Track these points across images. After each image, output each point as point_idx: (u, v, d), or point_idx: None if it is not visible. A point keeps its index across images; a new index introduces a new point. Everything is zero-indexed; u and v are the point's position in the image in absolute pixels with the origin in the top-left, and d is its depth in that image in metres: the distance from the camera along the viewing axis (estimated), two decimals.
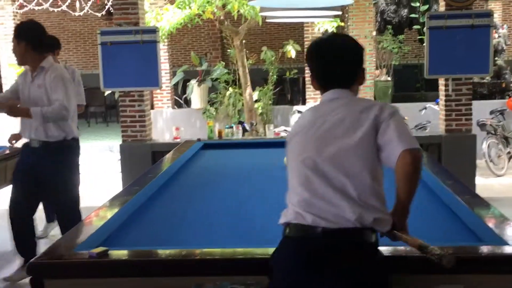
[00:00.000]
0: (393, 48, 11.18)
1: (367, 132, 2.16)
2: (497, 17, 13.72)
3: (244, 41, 9.79)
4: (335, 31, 8.70)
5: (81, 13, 11.57)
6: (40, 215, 5.73)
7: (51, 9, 11.10)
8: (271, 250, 2.40)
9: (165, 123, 10.86)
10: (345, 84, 2.33)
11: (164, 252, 2.43)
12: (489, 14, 6.62)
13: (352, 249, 2.09)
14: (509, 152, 8.94)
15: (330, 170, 2.15)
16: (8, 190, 5.18)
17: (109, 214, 2.99)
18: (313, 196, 2.16)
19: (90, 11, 11.65)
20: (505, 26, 12.50)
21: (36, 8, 10.96)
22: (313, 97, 11.28)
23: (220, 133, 6.35)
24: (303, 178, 2.20)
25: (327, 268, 2.06)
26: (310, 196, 2.16)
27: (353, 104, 2.27)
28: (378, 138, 2.17)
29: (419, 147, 2.15)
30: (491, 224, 2.61)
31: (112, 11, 7.54)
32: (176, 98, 11.65)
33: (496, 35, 10.85)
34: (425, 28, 6.74)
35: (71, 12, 11.61)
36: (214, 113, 10.57)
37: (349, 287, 2.05)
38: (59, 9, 11.43)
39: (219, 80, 10.75)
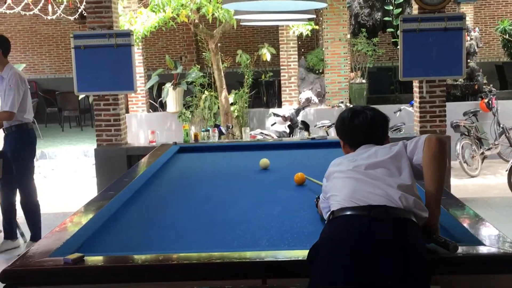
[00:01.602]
0: (367, 50, 11.24)
1: (399, 150, 2.52)
2: (469, 20, 13.91)
3: (219, 44, 9.78)
4: (309, 34, 8.69)
5: (54, 17, 11.45)
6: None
7: (22, 12, 10.97)
8: (248, 253, 2.40)
9: (140, 126, 10.80)
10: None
11: (140, 257, 2.41)
12: (461, 17, 6.70)
13: (399, 223, 2.21)
14: (482, 153, 9.05)
15: (373, 172, 2.42)
16: None
17: (84, 219, 2.96)
18: (359, 186, 2.36)
19: (62, 14, 11.54)
20: (477, 29, 12.67)
21: (8, 11, 10.82)
22: (289, 100, 11.32)
23: (196, 136, 6.30)
24: (347, 179, 2.43)
25: (376, 240, 2.14)
26: (356, 187, 2.36)
27: (383, 146, 2.63)
28: (408, 151, 2.50)
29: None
30: (466, 224, 2.63)
31: (85, 14, 7.47)
32: (151, 101, 11.60)
33: (468, 38, 11.00)
34: (398, 31, 6.79)
35: (43, 15, 11.49)
36: (190, 116, 10.55)
37: (395, 260, 2.10)
38: (31, 12, 11.29)
39: (194, 83, 10.72)
